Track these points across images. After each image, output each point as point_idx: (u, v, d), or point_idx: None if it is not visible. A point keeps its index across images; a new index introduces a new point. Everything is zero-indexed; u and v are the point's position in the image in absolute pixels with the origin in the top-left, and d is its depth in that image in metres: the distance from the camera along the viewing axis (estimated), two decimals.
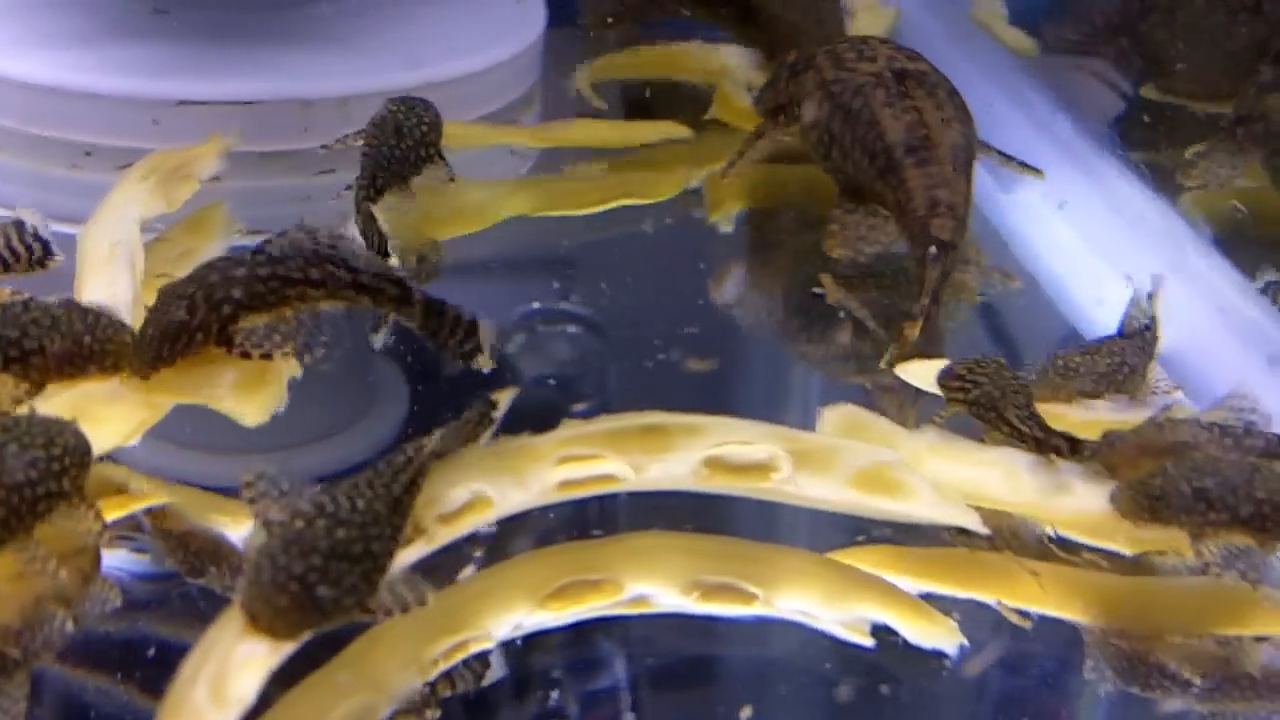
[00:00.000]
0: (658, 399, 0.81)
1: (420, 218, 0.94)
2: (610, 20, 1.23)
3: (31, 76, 0.99)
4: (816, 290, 0.92)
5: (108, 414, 0.70)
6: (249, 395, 0.72)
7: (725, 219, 1.00)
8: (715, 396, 0.83)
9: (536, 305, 0.96)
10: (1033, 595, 0.66)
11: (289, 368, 0.73)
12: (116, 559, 0.69)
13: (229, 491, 0.73)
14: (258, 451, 0.82)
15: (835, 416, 0.72)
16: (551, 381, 0.90)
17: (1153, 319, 0.78)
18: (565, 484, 0.67)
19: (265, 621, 0.54)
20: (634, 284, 0.96)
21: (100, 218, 0.83)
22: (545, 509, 0.68)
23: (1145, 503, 0.66)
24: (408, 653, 0.60)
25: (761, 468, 0.66)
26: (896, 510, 0.66)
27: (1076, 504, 0.69)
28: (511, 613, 0.63)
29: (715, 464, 0.67)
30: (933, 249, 0.83)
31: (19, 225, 0.78)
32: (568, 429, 0.68)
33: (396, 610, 0.57)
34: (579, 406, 0.87)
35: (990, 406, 0.71)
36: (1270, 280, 0.90)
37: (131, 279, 0.77)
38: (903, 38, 1.22)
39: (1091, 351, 0.76)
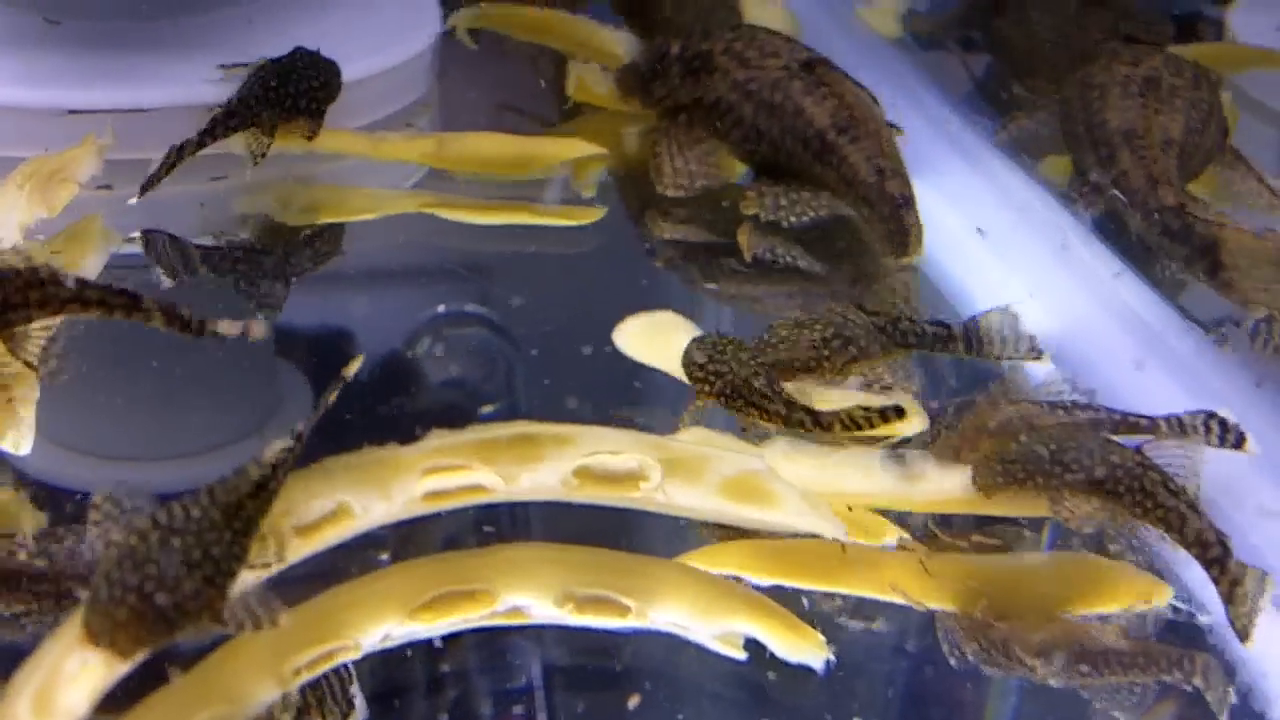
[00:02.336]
0: (566, 401, 0.82)
1: (307, 200, 0.97)
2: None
3: None
4: (709, 286, 0.94)
5: None
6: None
7: (588, 186, 1.03)
8: (624, 397, 0.84)
9: (443, 309, 0.96)
10: (884, 585, 0.67)
11: (31, 394, 0.73)
12: None
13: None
14: (163, 459, 0.82)
15: (689, 435, 0.73)
16: (459, 384, 0.91)
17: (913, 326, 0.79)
18: (431, 495, 0.66)
19: (107, 636, 0.54)
20: (540, 285, 0.97)
21: None
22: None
23: (1001, 469, 0.68)
24: (266, 663, 0.60)
25: (631, 477, 0.67)
26: (764, 519, 0.67)
27: (933, 487, 0.71)
28: (380, 623, 0.63)
29: (585, 474, 0.67)
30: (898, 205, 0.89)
31: None
32: (435, 438, 0.67)
33: (249, 624, 0.57)
34: (487, 409, 0.87)
35: (738, 394, 0.72)
36: None
37: None
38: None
39: (804, 324, 0.77)
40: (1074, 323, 0.88)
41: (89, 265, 0.87)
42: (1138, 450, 0.69)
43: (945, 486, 0.71)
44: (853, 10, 1.30)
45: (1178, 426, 0.72)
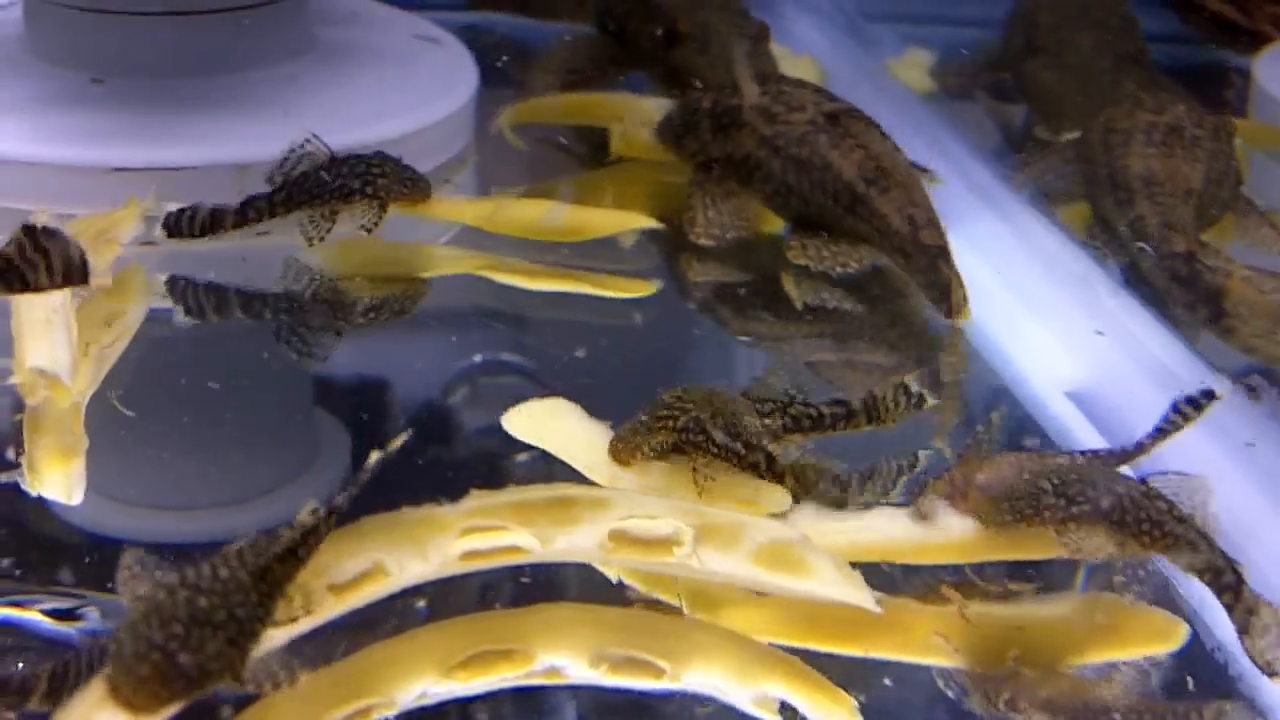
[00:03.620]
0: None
1: (363, 254, 0.98)
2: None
3: None
4: (745, 339, 0.95)
5: None
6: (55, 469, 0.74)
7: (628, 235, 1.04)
8: None
9: (479, 358, 0.97)
10: (919, 647, 0.67)
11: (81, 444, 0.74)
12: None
13: (171, 548, 0.74)
14: (202, 508, 0.83)
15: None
16: (494, 433, 0.92)
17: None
18: (469, 555, 0.66)
19: (128, 693, 0.53)
20: (576, 335, 0.97)
21: None
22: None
23: (1008, 506, 0.69)
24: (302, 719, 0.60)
25: (665, 542, 0.67)
26: (798, 588, 0.66)
27: (957, 538, 0.71)
28: (417, 681, 0.63)
29: (620, 537, 0.67)
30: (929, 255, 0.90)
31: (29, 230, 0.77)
32: (474, 499, 0.67)
33: (268, 685, 0.57)
34: (521, 457, 0.88)
35: (699, 430, 0.71)
36: None
37: (70, 345, 0.79)
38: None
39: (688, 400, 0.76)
40: (1103, 373, 0.89)
41: (131, 315, 0.89)
42: (1142, 481, 0.69)
43: (969, 536, 0.71)
44: (881, 63, 1.32)
45: (1159, 435, 0.73)
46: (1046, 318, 0.95)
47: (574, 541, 0.67)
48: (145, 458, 0.84)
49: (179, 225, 0.91)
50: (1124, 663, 0.68)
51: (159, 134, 1.02)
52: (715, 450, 0.72)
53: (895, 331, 0.96)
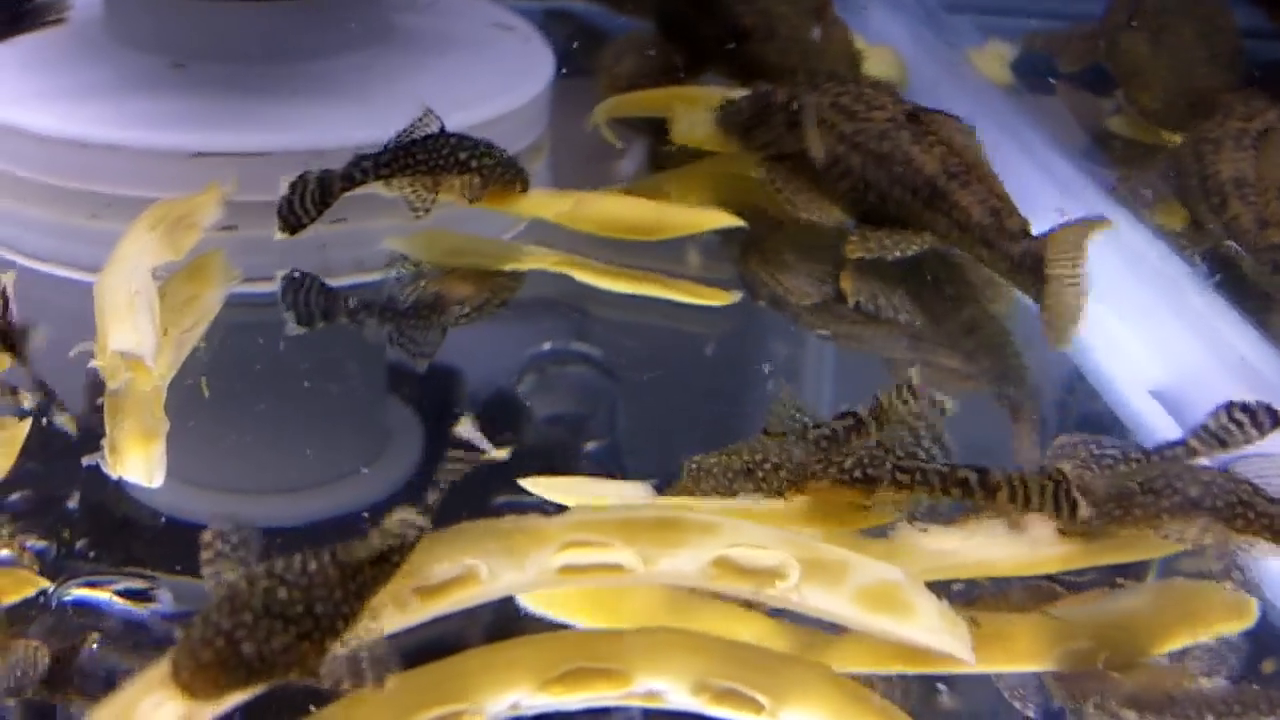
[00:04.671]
0: (668, 439, 0.82)
1: (447, 245, 0.98)
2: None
3: (53, 129, 1.01)
4: (821, 333, 0.94)
5: None
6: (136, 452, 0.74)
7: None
8: (727, 437, 0.84)
9: (548, 346, 0.97)
10: (1018, 657, 0.67)
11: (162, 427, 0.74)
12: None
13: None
14: (276, 493, 0.84)
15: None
16: (563, 421, 0.92)
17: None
18: (567, 569, 0.65)
19: (186, 676, 0.53)
20: (645, 324, 0.98)
21: (114, 267, 0.84)
22: None
23: (1103, 512, 0.68)
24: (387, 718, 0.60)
25: (769, 574, 0.65)
26: (898, 632, 0.64)
27: (1047, 547, 0.70)
28: (510, 691, 0.62)
29: (724, 564, 0.65)
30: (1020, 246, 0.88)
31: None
32: (579, 513, 0.67)
33: (348, 682, 0.56)
34: (590, 445, 0.88)
35: (880, 463, 0.68)
36: None
37: (153, 328, 0.79)
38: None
39: (730, 453, 0.74)
40: (1188, 373, 0.87)
41: (209, 300, 0.89)
42: (1223, 470, 0.69)
43: (1066, 546, 0.71)
44: (960, 54, 1.30)
45: (1210, 437, 0.72)
46: (1130, 315, 0.94)
47: (677, 565, 0.65)
48: (220, 442, 0.85)
49: (293, 211, 0.89)
50: (1200, 646, 0.67)
51: (238, 119, 1.03)
52: (912, 479, 0.68)
53: (973, 337, 0.95)
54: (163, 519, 0.78)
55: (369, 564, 0.58)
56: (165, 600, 0.72)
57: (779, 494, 0.72)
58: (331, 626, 0.56)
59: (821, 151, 0.98)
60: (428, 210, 0.93)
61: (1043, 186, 1.06)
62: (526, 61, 1.17)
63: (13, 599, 0.66)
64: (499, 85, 1.12)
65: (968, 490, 0.67)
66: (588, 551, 0.65)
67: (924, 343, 0.94)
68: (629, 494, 0.74)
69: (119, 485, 0.75)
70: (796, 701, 0.63)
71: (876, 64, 1.29)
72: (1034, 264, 0.88)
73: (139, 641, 0.70)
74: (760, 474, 0.72)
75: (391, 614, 0.60)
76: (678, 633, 0.66)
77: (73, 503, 0.77)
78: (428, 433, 0.88)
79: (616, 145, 1.14)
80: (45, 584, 0.69)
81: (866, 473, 0.67)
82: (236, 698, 0.55)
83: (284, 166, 0.92)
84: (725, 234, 1.02)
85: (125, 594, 0.72)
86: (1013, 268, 0.90)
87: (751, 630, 0.68)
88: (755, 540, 0.65)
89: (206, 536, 0.60)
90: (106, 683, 0.65)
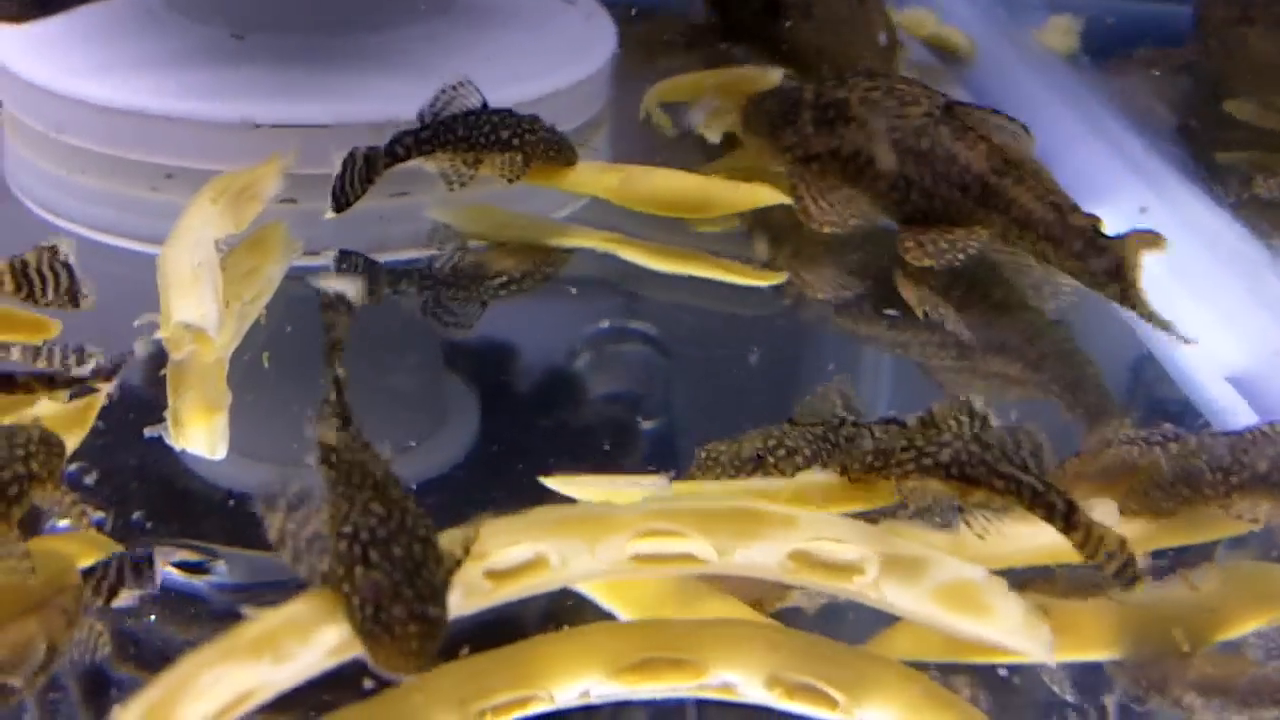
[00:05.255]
0: (724, 417, 0.81)
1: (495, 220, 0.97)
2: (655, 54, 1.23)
3: (114, 100, 1.01)
4: (890, 311, 0.93)
5: None
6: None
7: None
8: (780, 414, 0.83)
9: (607, 324, 0.96)
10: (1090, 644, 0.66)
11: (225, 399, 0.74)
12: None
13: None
14: None
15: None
16: (620, 399, 0.91)
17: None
18: (641, 558, 0.64)
19: (415, 667, 0.55)
20: (700, 303, 0.96)
21: (177, 240, 0.84)
22: None
23: (1162, 493, 0.67)
24: (454, 701, 0.59)
25: (847, 569, 0.64)
26: (978, 632, 0.63)
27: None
28: (581, 678, 0.61)
29: (802, 558, 0.64)
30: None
31: (52, 250, 0.79)
32: (654, 501, 0.66)
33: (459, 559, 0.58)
34: (647, 424, 0.87)
35: (978, 462, 0.66)
36: None
37: (217, 300, 0.79)
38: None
39: (743, 439, 0.73)
40: (1266, 357, 0.85)
41: (270, 273, 0.89)
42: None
43: (1133, 530, 0.68)
44: (1028, 29, 1.28)
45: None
46: (1206, 298, 0.92)
47: (753, 557, 0.64)
48: (277, 414, 0.84)
49: (342, 189, 0.89)
50: (1259, 631, 0.66)
51: (299, 91, 1.02)
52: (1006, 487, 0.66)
53: (1033, 346, 0.92)
54: (216, 490, 0.77)
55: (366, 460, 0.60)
56: (220, 572, 0.72)
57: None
58: (429, 533, 0.57)
59: (893, 163, 0.95)
60: (464, 185, 0.93)
61: (1112, 166, 1.04)
62: (588, 36, 1.16)
63: (84, 564, 0.66)
64: (559, 60, 1.11)
65: (1051, 516, 0.65)
66: (662, 541, 0.64)
67: (967, 346, 0.91)
68: (648, 490, 0.71)
69: (178, 456, 0.75)
70: (872, 698, 0.61)
71: (944, 43, 1.27)
72: (1115, 268, 0.85)
73: (195, 613, 0.69)
74: (772, 460, 0.71)
75: (461, 598, 0.60)
76: (753, 625, 0.65)
77: (130, 473, 0.77)
78: (483, 408, 0.87)
79: (669, 132, 1.12)
80: (117, 548, 0.69)
81: (965, 471, 0.65)
82: None
83: (343, 139, 0.92)
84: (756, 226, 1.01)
85: (181, 566, 0.71)
86: (1086, 268, 0.87)
87: None
88: (834, 534, 0.64)
89: (262, 507, 0.59)
90: (162, 654, 0.64)
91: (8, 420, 0.70)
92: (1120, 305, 0.87)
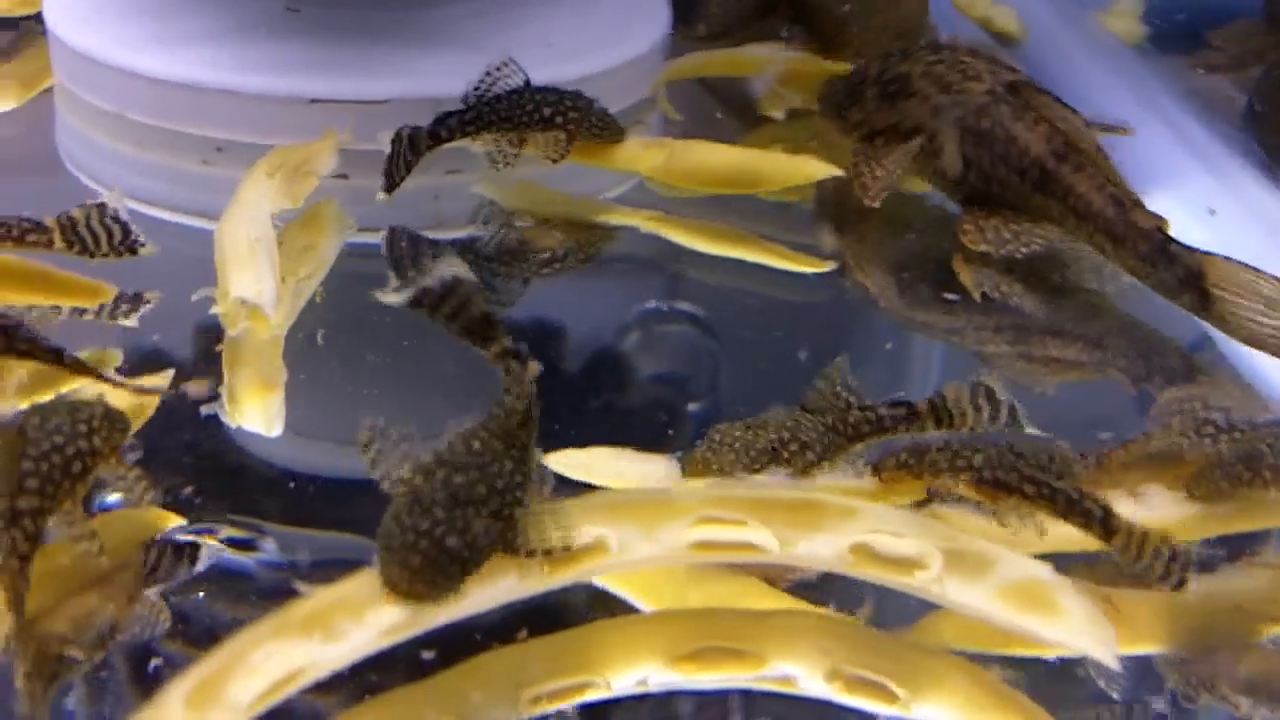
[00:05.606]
0: (769, 400, 0.80)
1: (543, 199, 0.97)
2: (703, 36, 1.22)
3: (166, 72, 1.00)
4: (949, 296, 0.91)
5: None
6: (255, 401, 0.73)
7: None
8: None
9: (654, 304, 0.96)
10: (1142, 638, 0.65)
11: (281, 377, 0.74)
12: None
13: (346, 483, 0.74)
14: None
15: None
16: (666, 380, 0.90)
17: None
18: (700, 545, 0.63)
19: (405, 585, 0.54)
20: (747, 283, 0.95)
21: (234, 214, 0.83)
22: None
23: (1222, 474, 0.66)
24: (508, 685, 0.59)
25: (909, 563, 0.63)
26: (1042, 632, 0.62)
27: (1168, 516, 0.69)
28: (639, 665, 0.61)
29: (862, 551, 0.63)
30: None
31: (100, 208, 0.80)
32: (716, 488, 0.65)
33: (540, 551, 0.57)
34: (694, 406, 0.86)
35: (1010, 469, 0.64)
36: None
37: (274, 276, 0.78)
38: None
39: (756, 426, 0.71)
40: None
41: (325, 250, 0.88)
42: None
43: (1188, 514, 0.69)
44: (1088, 12, 1.26)
45: None
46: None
47: (814, 548, 0.63)
48: (327, 391, 0.84)
49: (391, 169, 0.89)
50: None
51: (355, 66, 1.01)
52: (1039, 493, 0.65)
53: (1093, 325, 0.90)
54: (266, 467, 0.77)
55: (519, 427, 0.59)
56: (270, 550, 0.71)
57: (804, 474, 0.70)
58: (515, 498, 0.57)
59: (958, 166, 0.92)
60: (509, 164, 0.92)
61: (1175, 152, 1.02)
62: (642, 13, 1.14)
63: (145, 538, 0.66)
64: (613, 36, 1.10)
65: (1088, 524, 0.64)
66: (722, 528, 0.63)
67: (1025, 330, 0.89)
68: (654, 469, 0.71)
69: (228, 432, 0.75)
70: (932, 693, 0.61)
71: (996, 22, 1.26)
72: (1190, 280, 0.82)
73: (243, 591, 0.69)
74: (785, 454, 0.70)
75: (517, 581, 0.59)
76: (815, 616, 0.64)
77: (181, 449, 0.77)
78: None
79: (676, 117, 1.10)
80: (179, 520, 0.69)
81: (998, 476, 0.64)
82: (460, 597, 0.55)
83: (398, 115, 0.92)
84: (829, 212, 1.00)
85: (229, 543, 0.71)
86: (1151, 273, 0.84)
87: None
88: (896, 527, 0.63)
89: (364, 437, 0.59)
90: (210, 631, 0.64)
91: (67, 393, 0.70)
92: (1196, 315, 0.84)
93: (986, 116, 0.90)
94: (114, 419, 0.64)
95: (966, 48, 0.98)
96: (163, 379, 0.76)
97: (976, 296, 0.89)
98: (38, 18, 1.12)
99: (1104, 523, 0.64)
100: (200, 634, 0.64)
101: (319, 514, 0.73)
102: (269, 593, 0.68)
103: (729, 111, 1.16)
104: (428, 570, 0.53)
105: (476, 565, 0.55)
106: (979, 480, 0.64)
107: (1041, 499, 0.64)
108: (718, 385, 0.91)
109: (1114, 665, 0.61)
